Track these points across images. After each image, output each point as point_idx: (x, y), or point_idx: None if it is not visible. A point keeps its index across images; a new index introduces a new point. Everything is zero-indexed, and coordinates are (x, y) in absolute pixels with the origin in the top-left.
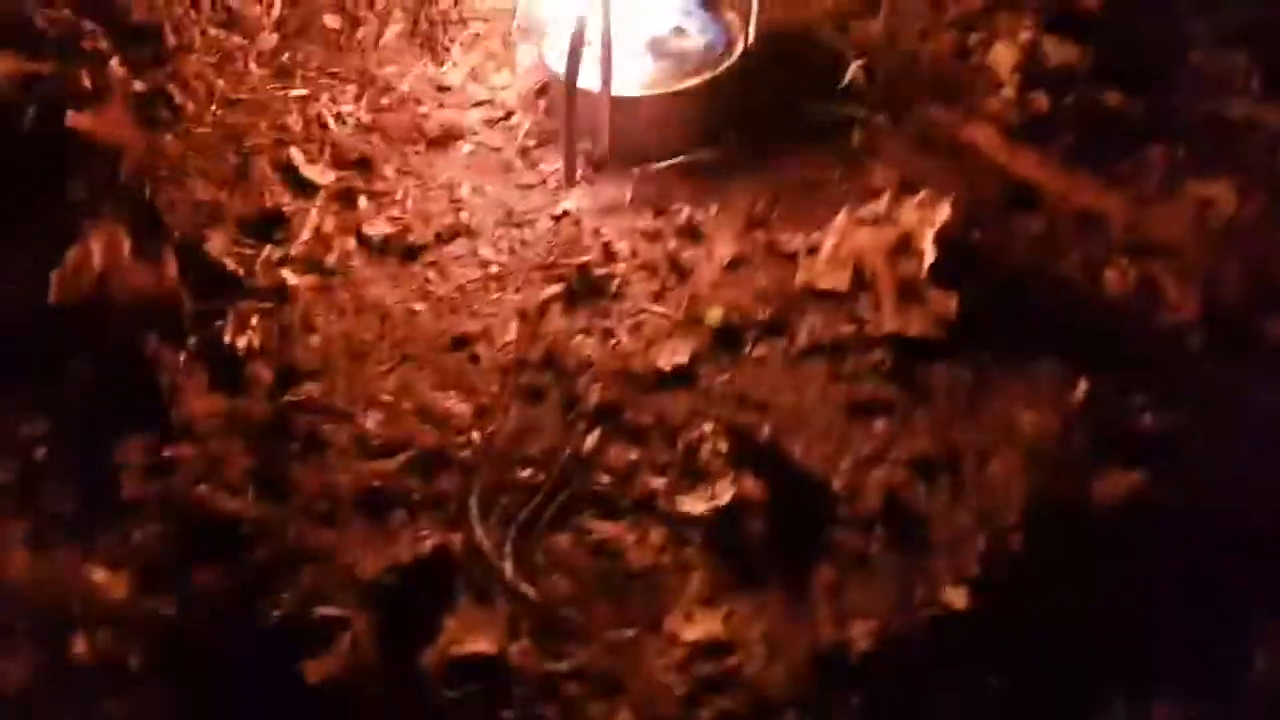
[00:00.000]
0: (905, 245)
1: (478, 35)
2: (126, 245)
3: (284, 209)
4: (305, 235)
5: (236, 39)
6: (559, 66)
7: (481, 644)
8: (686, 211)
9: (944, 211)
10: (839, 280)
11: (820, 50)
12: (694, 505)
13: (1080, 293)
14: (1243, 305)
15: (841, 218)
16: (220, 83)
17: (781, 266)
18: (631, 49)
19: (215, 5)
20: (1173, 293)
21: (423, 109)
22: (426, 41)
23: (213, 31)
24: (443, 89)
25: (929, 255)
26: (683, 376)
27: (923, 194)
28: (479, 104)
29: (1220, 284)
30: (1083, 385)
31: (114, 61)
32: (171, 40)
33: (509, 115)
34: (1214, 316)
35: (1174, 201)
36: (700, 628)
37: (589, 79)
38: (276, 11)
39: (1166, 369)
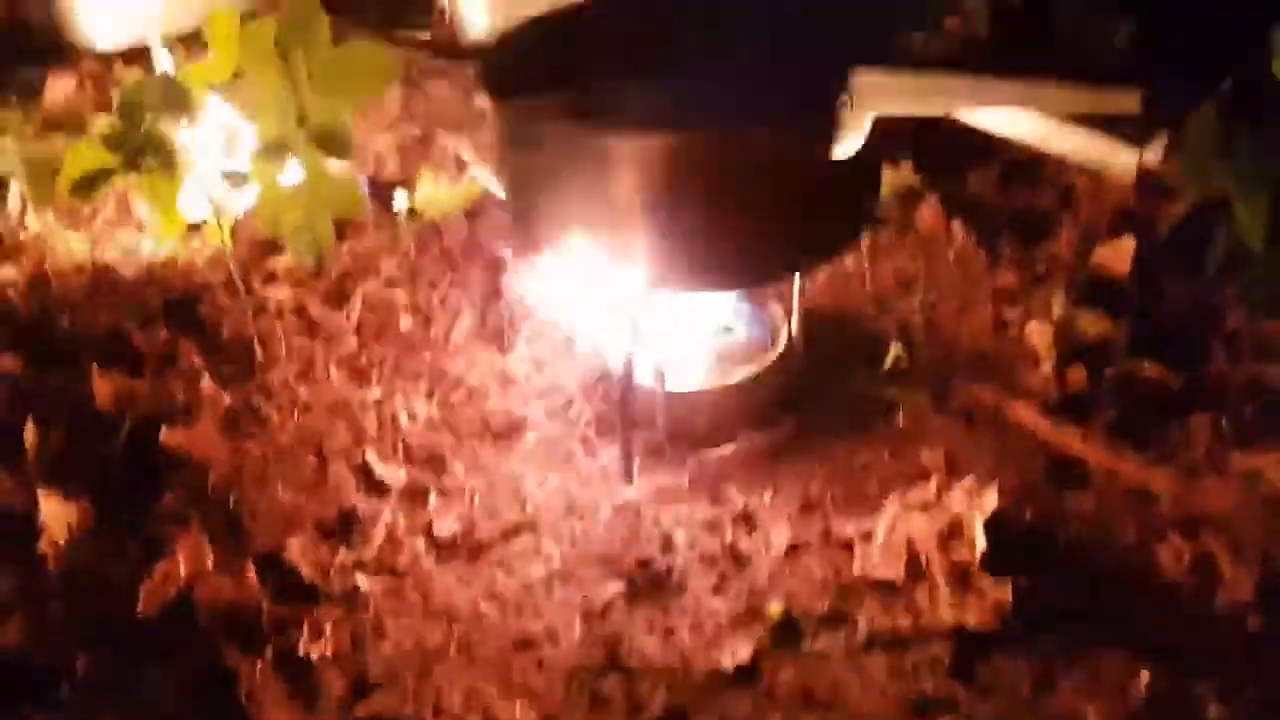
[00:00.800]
0: (957, 531)
1: (542, 324)
2: (210, 556)
3: (359, 510)
4: (378, 538)
5: (318, 346)
6: (615, 364)
7: None
8: (742, 500)
9: (992, 498)
10: (894, 569)
11: (862, 332)
12: None
13: (1136, 574)
14: None
15: (892, 504)
16: (302, 390)
17: (838, 553)
18: (684, 349)
19: (300, 316)
20: (1228, 570)
21: (489, 402)
22: (494, 335)
23: (297, 341)
24: (508, 380)
25: (980, 544)
26: (745, 674)
27: (969, 480)
28: (541, 394)
29: (1275, 559)
30: (1145, 675)
31: (205, 377)
32: (259, 354)
33: (570, 404)
34: (1271, 594)
35: (1221, 474)
36: None
37: (644, 374)
38: (356, 316)
39: (1227, 653)
